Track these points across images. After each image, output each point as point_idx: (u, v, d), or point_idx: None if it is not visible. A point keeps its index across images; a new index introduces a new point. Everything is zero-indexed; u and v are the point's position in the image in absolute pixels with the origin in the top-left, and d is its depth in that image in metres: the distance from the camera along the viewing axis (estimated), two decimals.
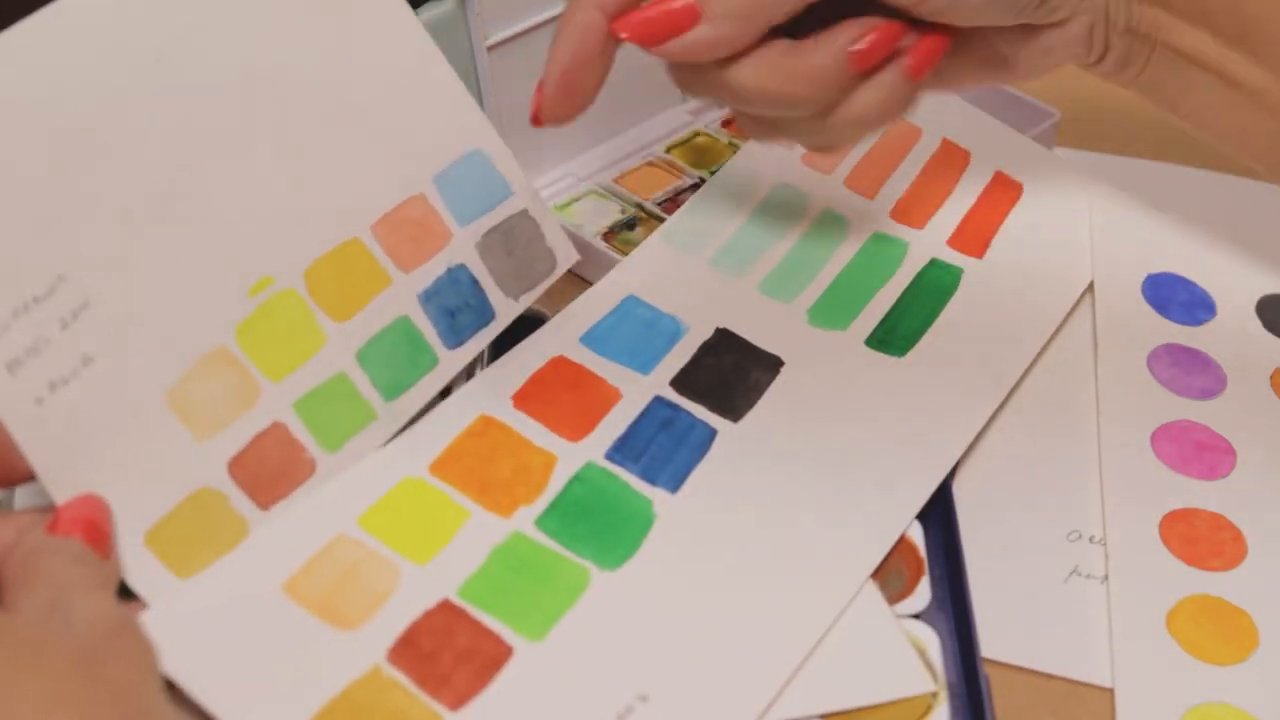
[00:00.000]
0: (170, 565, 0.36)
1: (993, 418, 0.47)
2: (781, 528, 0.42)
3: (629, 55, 0.57)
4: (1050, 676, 0.41)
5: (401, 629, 0.37)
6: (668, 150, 0.58)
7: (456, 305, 0.42)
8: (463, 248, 0.43)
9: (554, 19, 0.54)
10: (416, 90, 0.43)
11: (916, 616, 0.41)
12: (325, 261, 0.41)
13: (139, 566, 0.36)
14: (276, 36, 0.40)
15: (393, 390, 0.41)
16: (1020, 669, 0.41)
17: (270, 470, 0.39)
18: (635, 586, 0.39)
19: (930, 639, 0.40)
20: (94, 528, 0.35)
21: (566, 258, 0.45)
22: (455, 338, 0.42)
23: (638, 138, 0.58)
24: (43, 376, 0.35)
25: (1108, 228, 0.54)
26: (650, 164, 0.57)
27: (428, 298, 0.42)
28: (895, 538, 0.42)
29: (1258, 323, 0.52)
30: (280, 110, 0.40)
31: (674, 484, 0.42)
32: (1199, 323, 0.51)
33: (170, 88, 0.38)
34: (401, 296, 0.42)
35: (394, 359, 0.41)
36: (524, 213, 0.44)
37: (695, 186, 0.56)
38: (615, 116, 0.58)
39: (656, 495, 0.42)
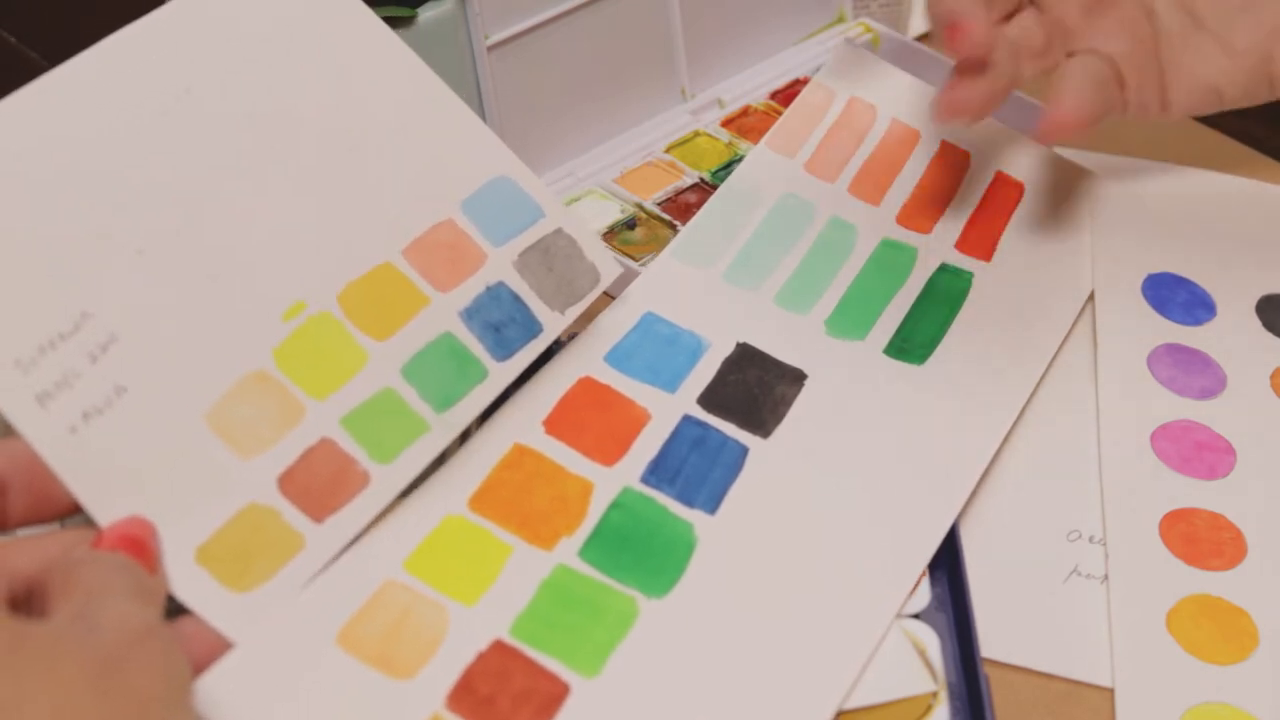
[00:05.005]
0: (223, 580, 0.36)
1: None
2: (823, 543, 0.42)
3: (628, 55, 0.57)
4: (1050, 676, 0.41)
5: (457, 674, 0.37)
6: (668, 150, 0.58)
7: (501, 320, 0.43)
8: (500, 267, 0.44)
9: (554, 19, 0.54)
10: (430, 125, 0.44)
11: (916, 616, 0.41)
12: (358, 285, 0.41)
13: (191, 582, 0.36)
14: (283, 84, 0.42)
15: (444, 402, 0.41)
16: (1020, 669, 0.41)
17: (322, 484, 0.39)
18: (684, 613, 0.40)
19: (930, 639, 0.40)
20: (138, 544, 0.35)
21: (610, 271, 0.46)
22: (503, 350, 0.43)
23: (638, 138, 0.58)
24: (75, 407, 0.36)
25: (1108, 228, 0.54)
26: (650, 164, 0.57)
27: (469, 314, 0.43)
28: (937, 543, 0.42)
29: (1258, 323, 0.52)
30: (293, 151, 0.41)
31: (712, 505, 0.42)
32: (1199, 323, 0.51)
33: (183, 135, 0.40)
34: (442, 314, 0.42)
35: (441, 373, 0.41)
36: (559, 231, 0.45)
37: (695, 186, 0.56)
38: (615, 116, 0.58)
39: (696, 518, 0.42)
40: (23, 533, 0.37)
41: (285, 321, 0.40)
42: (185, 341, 0.38)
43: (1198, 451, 0.47)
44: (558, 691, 0.37)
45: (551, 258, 0.44)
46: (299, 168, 0.41)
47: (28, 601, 0.33)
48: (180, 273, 0.38)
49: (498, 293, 0.43)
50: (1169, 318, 0.51)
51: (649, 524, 0.42)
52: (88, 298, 0.37)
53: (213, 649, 0.36)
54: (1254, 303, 0.52)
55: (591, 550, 0.41)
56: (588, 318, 0.47)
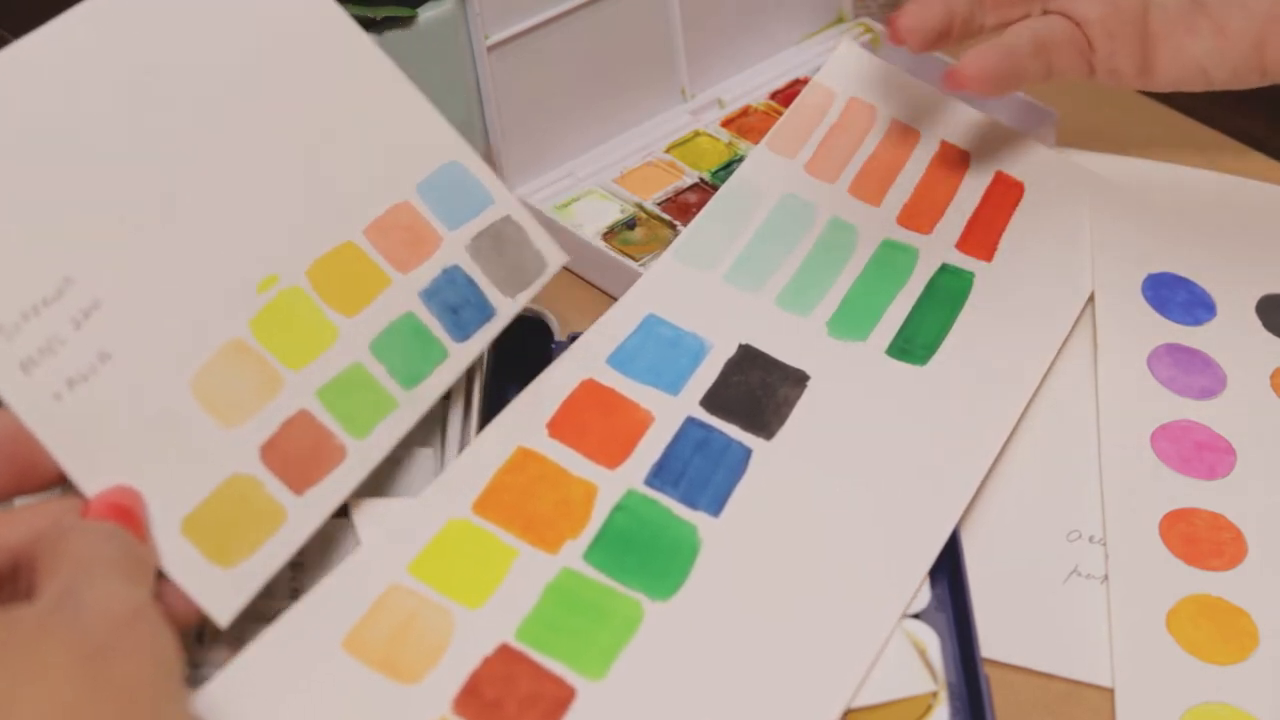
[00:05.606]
0: (209, 554, 0.36)
1: None
2: (827, 544, 0.42)
3: (628, 55, 0.57)
4: (1050, 676, 0.41)
5: (463, 678, 0.37)
6: (668, 150, 0.58)
7: (457, 302, 0.44)
8: (454, 250, 0.44)
9: (554, 19, 0.54)
10: (385, 110, 0.45)
11: (916, 616, 0.41)
12: (325, 262, 0.42)
13: (178, 555, 0.36)
14: (245, 68, 0.42)
15: (410, 379, 0.42)
16: (1020, 669, 0.41)
17: (302, 455, 0.39)
18: (688, 616, 0.40)
19: (930, 639, 0.40)
20: (126, 513, 0.35)
21: (556, 260, 0.46)
22: (461, 332, 0.43)
23: (638, 138, 0.58)
24: (59, 374, 0.36)
25: (1108, 228, 0.54)
26: (650, 164, 0.57)
27: (429, 296, 0.43)
28: (941, 544, 0.42)
29: (1258, 323, 0.52)
30: (256, 129, 0.42)
31: (715, 507, 0.42)
32: (1199, 323, 0.51)
33: (156, 106, 0.40)
34: (403, 294, 0.43)
35: (406, 351, 0.42)
36: (507, 218, 0.46)
37: (695, 187, 0.56)
38: (615, 116, 0.58)
39: (700, 520, 0.42)
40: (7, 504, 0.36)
41: (260, 293, 0.40)
42: (166, 309, 0.38)
43: (1198, 451, 0.47)
44: (564, 695, 0.37)
45: (502, 243, 0.45)
46: (263, 146, 0.42)
47: (14, 576, 0.33)
48: (159, 240, 0.39)
49: (453, 275, 0.44)
50: (1169, 318, 0.51)
51: (653, 526, 0.42)
52: (70, 263, 0.37)
53: (184, 609, 0.35)
54: (1254, 303, 0.52)
55: (596, 553, 0.41)
56: (574, 304, 0.47)
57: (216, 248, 0.40)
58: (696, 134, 0.59)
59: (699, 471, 0.43)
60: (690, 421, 0.45)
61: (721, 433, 0.45)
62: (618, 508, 0.42)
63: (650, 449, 0.44)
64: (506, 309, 0.45)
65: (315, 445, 0.39)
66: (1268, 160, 0.60)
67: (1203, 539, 0.44)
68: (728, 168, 0.56)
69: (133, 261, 0.38)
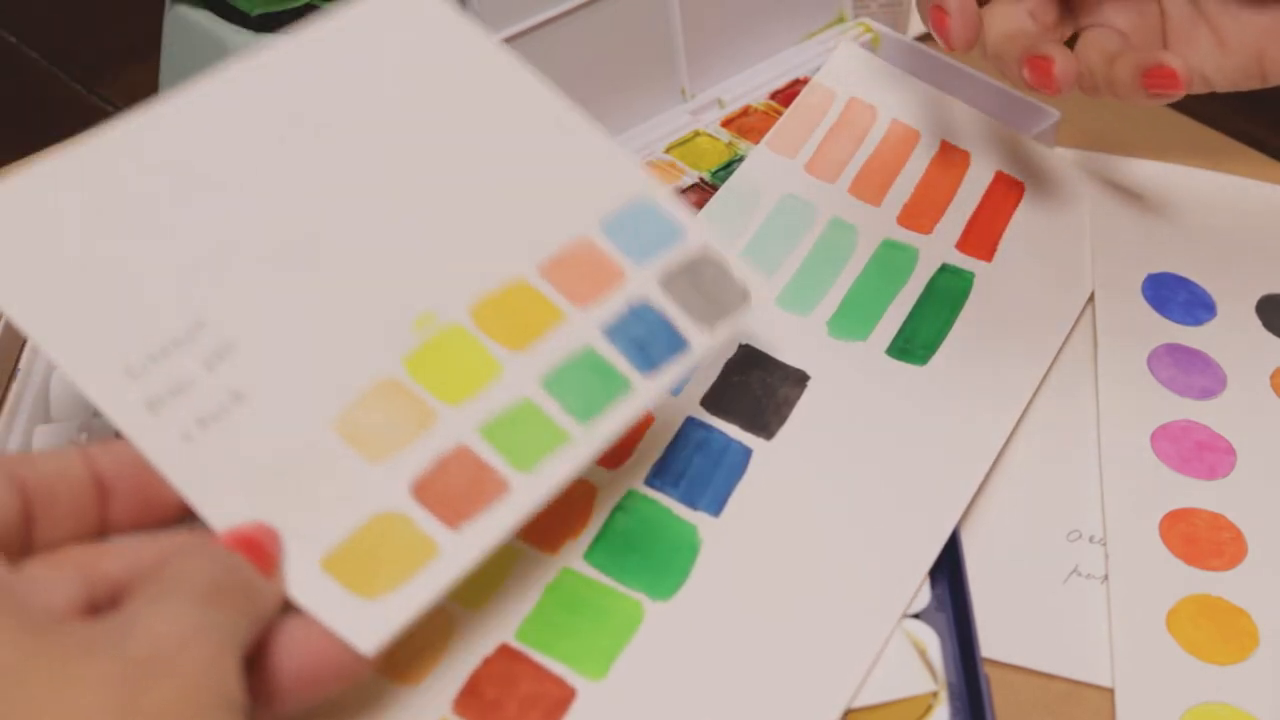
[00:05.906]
0: (351, 587, 0.35)
1: None
2: (827, 544, 0.42)
3: (628, 55, 0.57)
4: (1050, 676, 0.41)
5: (464, 678, 0.37)
6: (668, 150, 0.58)
7: (644, 337, 0.41)
8: (643, 286, 0.42)
9: (554, 19, 0.54)
10: (564, 148, 0.43)
11: (916, 616, 0.41)
12: (491, 300, 0.40)
13: (314, 588, 0.34)
14: (414, 108, 0.41)
15: (586, 413, 0.39)
16: (1020, 669, 0.41)
17: (457, 491, 0.37)
18: (689, 616, 0.40)
19: (930, 639, 0.40)
20: (257, 546, 0.33)
21: (755, 289, 0.43)
22: (648, 365, 0.41)
23: (638, 138, 0.58)
24: (189, 414, 0.35)
25: (1108, 228, 0.54)
26: (650, 164, 0.57)
27: (611, 331, 0.41)
28: (941, 544, 0.42)
29: (1258, 323, 0.52)
30: (421, 171, 0.41)
31: (716, 507, 0.42)
32: (1199, 323, 0.51)
33: (310, 151, 0.39)
34: (582, 329, 0.41)
35: (583, 386, 0.40)
36: (703, 250, 0.43)
37: (695, 187, 0.56)
38: (615, 116, 0.58)
39: (700, 520, 0.42)
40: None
41: (415, 331, 0.39)
42: (309, 349, 0.37)
43: (1198, 451, 0.47)
44: (564, 695, 0.37)
45: (696, 277, 0.42)
46: (426, 188, 0.40)
47: (114, 608, 0.31)
48: (304, 281, 0.38)
49: (640, 311, 0.41)
50: (1169, 318, 0.51)
51: (653, 526, 0.42)
52: (204, 306, 0.36)
53: (323, 653, 0.33)
54: (1254, 303, 0.52)
55: (597, 553, 0.41)
56: None
57: (369, 287, 0.38)
58: (696, 134, 0.59)
59: (699, 471, 0.43)
60: (690, 421, 0.45)
61: (721, 433, 0.45)
62: (618, 508, 0.42)
63: (650, 448, 0.44)
64: (702, 341, 0.42)
65: (473, 480, 0.37)
66: (1269, 161, 0.60)
67: (1203, 539, 0.44)
68: (728, 168, 0.56)
69: (272, 303, 0.37)
